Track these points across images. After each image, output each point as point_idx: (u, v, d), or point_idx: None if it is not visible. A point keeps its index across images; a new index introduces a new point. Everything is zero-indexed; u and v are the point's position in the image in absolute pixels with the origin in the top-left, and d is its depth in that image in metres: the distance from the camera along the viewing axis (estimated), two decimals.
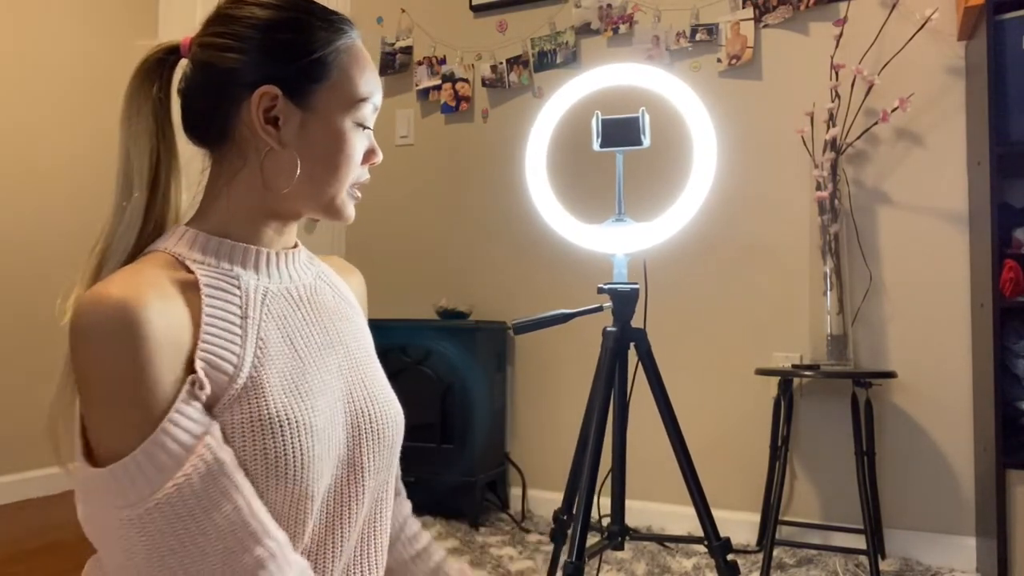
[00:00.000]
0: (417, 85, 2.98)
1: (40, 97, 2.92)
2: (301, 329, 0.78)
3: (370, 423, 0.81)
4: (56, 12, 2.98)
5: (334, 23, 0.78)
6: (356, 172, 0.80)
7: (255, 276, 0.77)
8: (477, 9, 2.90)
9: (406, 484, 0.98)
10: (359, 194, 0.82)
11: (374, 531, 0.83)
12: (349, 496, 0.78)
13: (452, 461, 2.51)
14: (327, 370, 0.78)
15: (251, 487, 0.68)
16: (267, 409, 0.70)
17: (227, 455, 0.67)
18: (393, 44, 3.03)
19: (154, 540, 0.64)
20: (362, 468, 0.79)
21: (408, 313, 2.93)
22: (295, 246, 0.84)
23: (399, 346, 2.64)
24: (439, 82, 2.94)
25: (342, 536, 0.77)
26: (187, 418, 0.65)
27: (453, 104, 2.91)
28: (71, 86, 3.03)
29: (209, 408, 0.68)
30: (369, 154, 0.82)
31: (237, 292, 0.74)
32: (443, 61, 2.94)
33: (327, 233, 3.10)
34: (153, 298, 0.65)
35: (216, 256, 0.75)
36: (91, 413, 0.66)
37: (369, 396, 0.82)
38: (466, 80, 2.90)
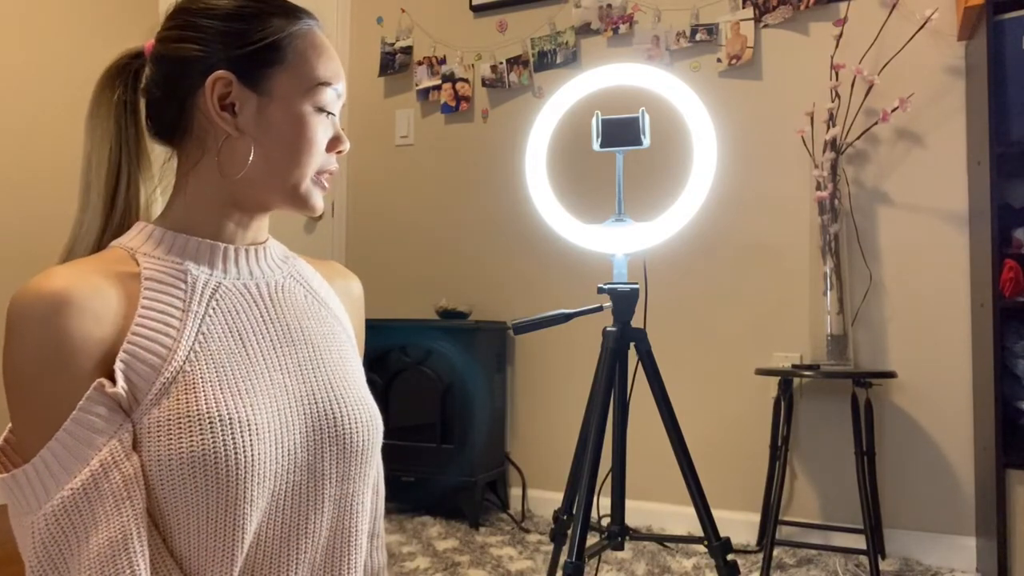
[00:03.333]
0: (417, 85, 2.98)
1: (37, 102, 2.92)
2: (254, 326, 0.75)
3: (333, 427, 0.76)
4: (56, 16, 2.98)
5: (290, 11, 0.78)
6: (319, 159, 0.78)
7: (208, 270, 0.75)
8: (477, 9, 2.90)
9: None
10: (327, 184, 0.80)
11: (343, 545, 0.77)
12: (308, 504, 0.73)
13: (452, 461, 2.51)
14: (281, 369, 0.75)
15: (144, 514, 0.65)
16: (196, 404, 0.67)
17: (129, 467, 0.64)
18: (393, 44, 3.03)
19: (37, 555, 0.63)
20: (323, 474, 0.74)
21: (408, 313, 2.93)
22: (265, 242, 0.82)
23: (399, 346, 2.64)
24: (439, 82, 2.94)
25: (298, 547, 0.73)
26: (88, 426, 0.64)
27: (453, 104, 2.91)
28: (69, 90, 3.03)
29: (136, 402, 0.66)
30: (334, 141, 0.80)
31: (182, 286, 0.73)
32: (443, 61, 2.94)
33: (327, 234, 3.10)
34: (79, 291, 0.65)
35: (168, 250, 0.74)
36: (11, 411, 0.65)
37: (335, 398, 0.77)
38: (466, 80, 2.90)
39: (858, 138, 2.29)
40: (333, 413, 0.76)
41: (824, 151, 2.26)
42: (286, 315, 0.79)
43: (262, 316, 0.77)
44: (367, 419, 0.79)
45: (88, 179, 0.78)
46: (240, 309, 0.75)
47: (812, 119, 2.35)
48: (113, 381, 0.65)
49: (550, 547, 2.28)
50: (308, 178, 0.78)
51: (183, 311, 0.71)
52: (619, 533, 1.62)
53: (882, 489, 2.23)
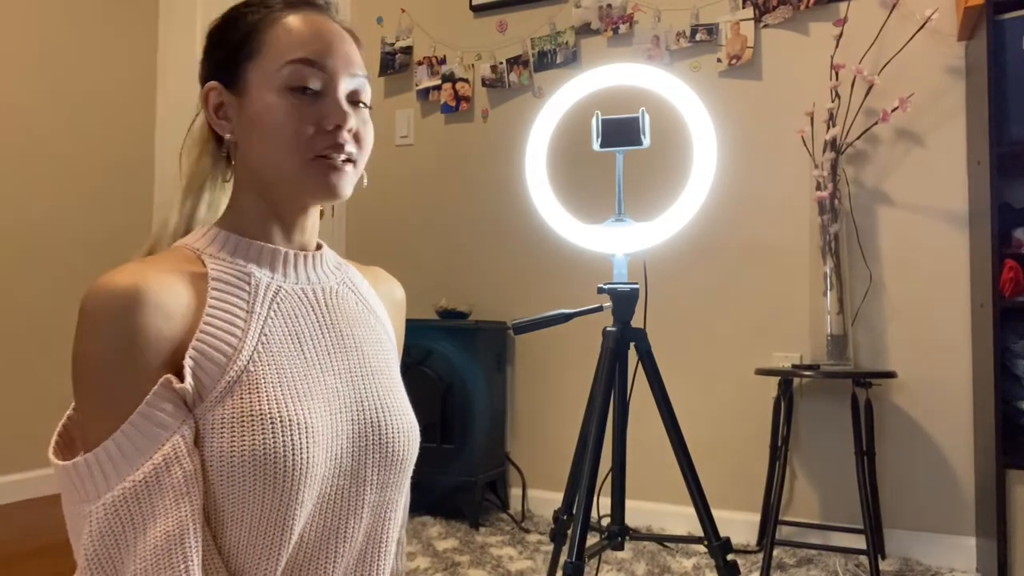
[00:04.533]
0: (417, 85, 2.98)
1: (35, 100, 2.92)
2: (311, 330, 0.77)
3: (378, 434, 0.78)
4: (57, 16, 2.97)
5: (265, 4, 0.79)
6: (303, 141, 0.74)
7: (269, 274, 0.77)
8: (477, 9, 2.90)
9: None
10: (339, 163, 0.76)
11: (375, 551, 0.79)
12: (348, 509, 0.75)
13: (452, 461, 2.51)
14: (334, 373, 0.76)
15: (201, 510, 0.66)
16: (259, 404, 0.68)
17: (190, 464, 0.65)
18: (393, 44, 3.03)
19: (93, 544, 0.64)
20: (364, 481, 0.76)
21: (408, 313, 2.92)
22: (319, 249, 0.84)
23: None
24: (439, 82, 2.94)
25: (336, 550, 0.75)
26: (153, 420, 0.65)
27: (453, 104, 2.91)
28: (68, 89, 3.03)
29: (200, 399, 0.68)
30: (324, 118, 0.75)
31: (246, 287, 0.74)
32: (443, 61, 2.94)
33: (327, 234, 3.10)
34: (153, 288, 0.66)
35: (232, 252, 0.77)
36: (77, 401, 0.67)
37: (381, 407, 0.79)
38: (466, 80, 2.90)
39: (858, 138, 2.29)
40: (378, 421, 0.78)
41: (824, 151, 2.26)
42: (339, 321, 0.80)
43: (318, 321, 0.78)
44: (407, 429, 0.81)
45: (186, 194, 0.83)
46: (299, 313, 0.77)
47: (812, 119, 2.35)
48: (179, 377, 0.67)
49: (550, 547, 2.28)
50: (300, 163, 0.75)
51: (247, 312, 0.73)
52: (619, 533, 1.62)
53: (882, 489, 2.23)
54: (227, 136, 0.78)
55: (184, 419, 0.66)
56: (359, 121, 0.79)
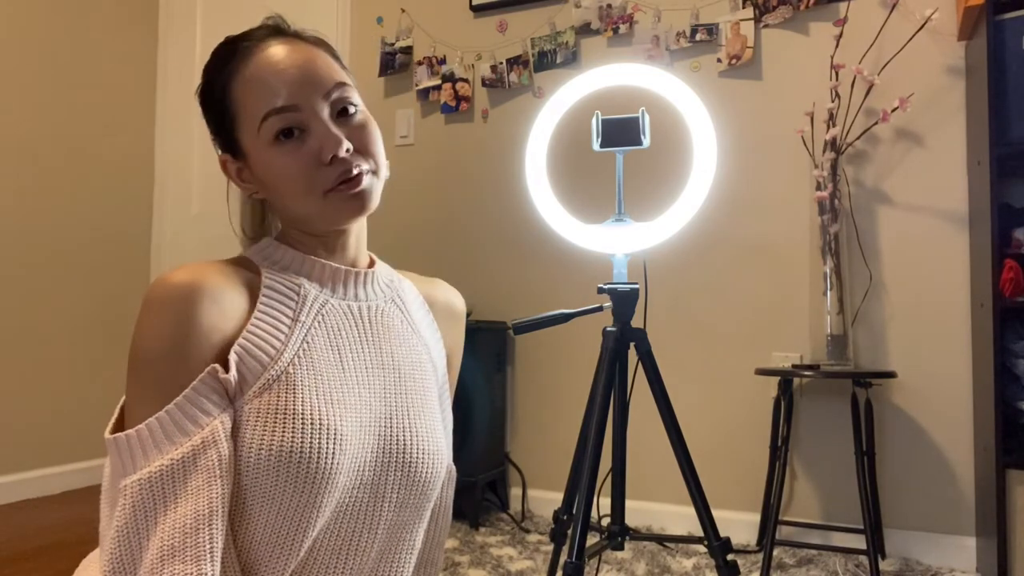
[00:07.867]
0: (417, 85, 2.98)
1: (35, 101, 2.92)
2: (352, 344, 0.80)
3: (401, 453, 0.79)
4: (57, 17, 2.97)
5: (221, 58, 0.79)
6: (309, 181, 0.76)
7: (318, 288, 0.81)
8: (477, 9, 2.90)
9: None
10: (354, 186, 0.77)
11: (388, 572, 0.80)
12: (364, 522, 0.77)
13: (452, 461, 2.50)
14: (369, 389, 0.79)
15: (229, 496, 0.68)
16: (293, 404, 0.71)
17: (225, 449, 0.68)
18: (393, 44, 3.03)
19: (125, 517, 0.66)
20: (384, 497, 0.78)
21: None
22: (371, 265, 0.87)
23: None
24: (439, 82, 2.94)
25: (347, 562, 0.76)
26: (197, 404, 0.68)
27: (453, 104, 2.91)
28: (68, 90, 3.03)
29: (240, 393, 0.71)
30: (319, 152, 0.76)
31: (295, 298, 0.78)
32: (443, 61, 2.94)
33: None
34: (212, 285, 0.71)
35: (287, 266, 0.81)
36: (129, 382, 0.70)
37: (409, 427, 0.81)
38: (466, 80, 2.90)
39: (858, 138, 2.29)
40: (404, 441, 0.80)
41: (824, 151, 2.26)
42: (381, 339, 0.83)
43: (360, 337, 0.81)
44: (433, 451, 0.83)
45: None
46: (342, 327, 0.80)
47: (812, 119, 2.35)
48: (226, 369, 0.70)
49: (550, 547, 2.28)
50: (317, 200, 0.77)
51: (292, 320, 0.77)
52: (619, 533, 1.62)
53: (882, 489, 2.23)
54: (254, 195, 0.83)
55: (225, 408, 0.70)
56: (355, 130, 0.79)
